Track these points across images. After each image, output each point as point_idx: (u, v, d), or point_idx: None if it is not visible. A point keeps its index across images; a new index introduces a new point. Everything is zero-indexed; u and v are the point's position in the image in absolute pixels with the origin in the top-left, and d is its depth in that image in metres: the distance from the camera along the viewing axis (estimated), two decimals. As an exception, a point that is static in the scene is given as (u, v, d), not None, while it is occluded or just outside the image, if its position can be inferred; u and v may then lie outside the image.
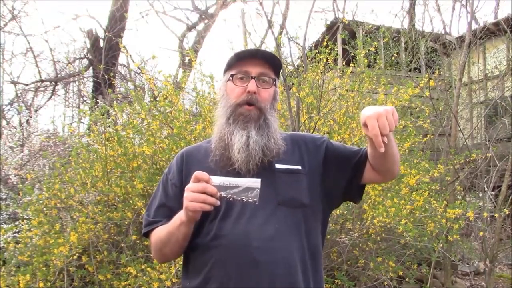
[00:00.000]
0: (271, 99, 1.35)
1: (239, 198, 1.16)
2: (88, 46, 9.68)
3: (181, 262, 2.78)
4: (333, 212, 2.40)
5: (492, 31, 7.43)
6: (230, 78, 1.33)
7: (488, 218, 4.61)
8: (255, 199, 1.16)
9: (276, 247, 1.23)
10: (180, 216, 1.21)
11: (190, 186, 1.15)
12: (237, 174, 1.26)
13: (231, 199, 1.16)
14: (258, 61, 1.32)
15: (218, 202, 1.15)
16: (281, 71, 1.45)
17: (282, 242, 1.24)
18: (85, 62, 10.38)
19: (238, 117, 1.29)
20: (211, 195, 1.13)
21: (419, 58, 7.07)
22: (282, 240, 1.24)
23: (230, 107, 1.31)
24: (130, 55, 5.38)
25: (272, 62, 1.34)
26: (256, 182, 1.16)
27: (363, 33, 6.91)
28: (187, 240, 1.26)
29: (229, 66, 1.35)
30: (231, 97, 1.32)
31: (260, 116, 1.30)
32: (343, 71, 4.14)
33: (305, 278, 1.27)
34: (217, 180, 1.16)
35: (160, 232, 1.28)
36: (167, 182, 1.35)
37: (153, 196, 1.38)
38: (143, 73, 5.33)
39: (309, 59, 4.01)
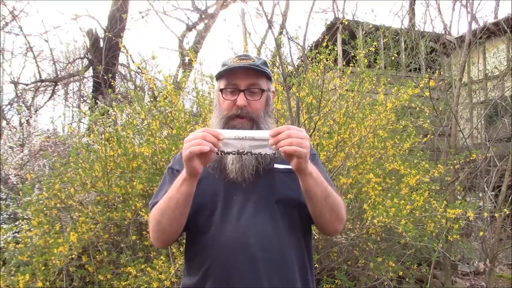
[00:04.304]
0: (264, 106, 1.34)
1: (257, 152, 1.16)
2: (88, 46, 9.69)
3: (180, 262, 2.79)
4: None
5: (492, 31, 7.43)
6: (220, 91, 1.34)
7: (488, 218, 4.60)
8: (273, 152, 1.15)
9: (274, 245, 1.24)
10: (181, 174, 1.20)
11: (189, 136, 1.15)
12: (233, 183, 1.28)
13: (248, 154, 1.16)
14: (247, 71, 1.32)
15: (213, 149, 1.13)
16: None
17: (280, 240, 1.26)
18: (85, 62, 10.39)
19: (230, 129, 1.29)
20: (214, 142, 1.12)
21: (419, 58, 7.07)
22: (280, 238, 1.26)
23: (222, 119, 1.32)
24: (130, 55, 5.38)
25: (261, 71, 1.34)
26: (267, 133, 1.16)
27: (363, 33, 6.91)
28: (187, 207, 1.22)
29: (220, 76, 1.35)
30: (222, 108, 1.33)
31: (253, 126, 1.30)
32: (343, 71, 4.13)
33: (303, 277, 1.29)
34: (231, 134, 1.16)
35: (159, 203, 1.26)
36: (173, 174, 1.34)
37: (159, 187, 1.38)
38: (143, 73, 5.33)
39: (309, 59, 4.01)
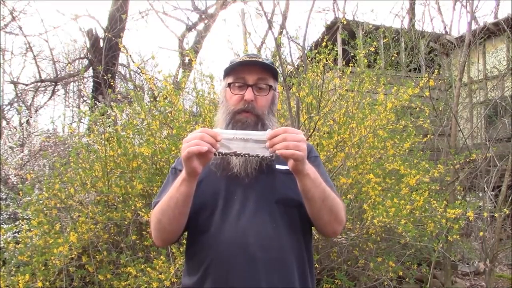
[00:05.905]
0: (269, 104, 1.36)
1: (254, 154, 1.16)
2: (88, 46, 9.69)
3: (180, 262, 2.79)
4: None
5: (492, 31, 7.43)
6: (228, 86, 1.35)
7: (488, 218, 4.60)
8: (271, 154, 1.15)
9: (274, 246, 1.25)
10: (181, 174, 1.21)
11: (187, 136, 1.16)
12: (236, 178, 1.28)
13: (245, 156, 1.16)
14: (255, 67, 1.33)
15: (211, 149, 1.13)
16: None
17: (280, 240, 1.26)
18: (85, 62, 10.39)
19: (236, 123, 1.31)
20: (212, 143, 1.13)
21: (419, 58, 7.07)
22: (279, 238, 1.26)
23: (228, 114, 1.33)
24: (130, 55, 5.38)
25: (269, 67, 1.35)
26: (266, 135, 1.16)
27: (363, 33, 6.90)
28: (187, 207, 1.24)
29: (227, 72, 1.36)
30: (230, 104, 1.34)
31: (258, 122, 1.31)
32: (343, 71, 4.13)
33: (302, 277, 1.29)
34: (229, 134, 1.16)
35: (160, 203, 1.28)
36: (175, 174, 1.34)
37: (162, 187, 1.39)
38: (143, 73, 5.33)
39: (309, 59, 4.01)
